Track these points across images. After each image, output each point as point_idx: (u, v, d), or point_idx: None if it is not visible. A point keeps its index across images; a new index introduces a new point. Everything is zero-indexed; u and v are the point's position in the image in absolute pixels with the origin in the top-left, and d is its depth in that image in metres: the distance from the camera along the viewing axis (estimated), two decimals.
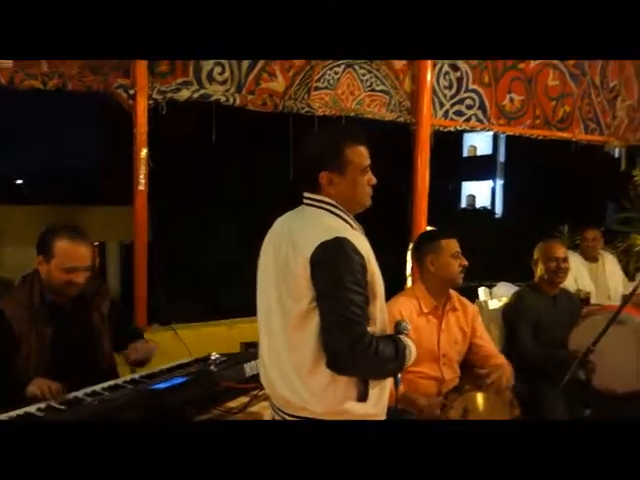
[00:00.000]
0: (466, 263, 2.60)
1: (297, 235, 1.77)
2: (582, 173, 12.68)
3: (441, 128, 3.91)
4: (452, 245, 2.61)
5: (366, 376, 1.73)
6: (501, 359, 2.64)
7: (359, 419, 1.73)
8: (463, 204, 25.23)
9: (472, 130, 4.27)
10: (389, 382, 1.85)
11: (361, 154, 1.81)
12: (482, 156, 25.03)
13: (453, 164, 21.64)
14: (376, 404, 1.77)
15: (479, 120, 4.05)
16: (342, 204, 1.80)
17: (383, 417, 1.84)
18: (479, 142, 24.67)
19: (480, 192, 25.11)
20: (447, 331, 2.63)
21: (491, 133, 22.85)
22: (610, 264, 4.44)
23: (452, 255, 2.59)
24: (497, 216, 21.30)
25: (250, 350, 2.48)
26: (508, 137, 22.93)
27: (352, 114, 3.56)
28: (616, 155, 4.98)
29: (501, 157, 24.10)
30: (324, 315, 1.68)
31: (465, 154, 25.65)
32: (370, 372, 1.74)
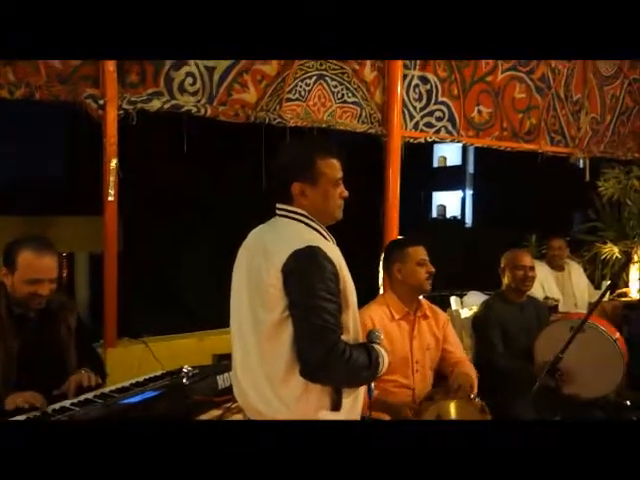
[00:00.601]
0: (433, 270, 2.63)
1: (269, 245, 1.77)
2: (548, 184, 12.96)
3: (411, 140, 3.97)
4: (418, 252, 2.64)
5: (340, 384, 1.74)
6: (468, 367, 2.68)
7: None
8: (434, 214, 25.52)
9: (442, 141, 4.34)
10: (362, 391, 1.85)
11: (333, 166, 1.83)
12: (452, 166, 25.40)
13: (423, 174, 21.90)
14: (349, 413, 1.77)
15: (449, 132, 4.11)
16: (314, 215, 1.82)
17: None
18: (449, 153, 25.04)
19: (450, 202, 25.45)
20: (419, 337, 2.66)
21: (460, 144, 23.20)
22: (576, 273, 4.54)
23: (418, 262, 2.62)
24: (467, 226, 21.62)
25: (222, 362, 2.46)
26: (477, 148, 23.24)
27: (324, 125, 3.59)
28: (580, 166, 5.11)
29: (470, 168, 24.49)
30: (297, 324, 1.68)
31: (435, 164, 26.00)
32: (344, 380, 1.75)
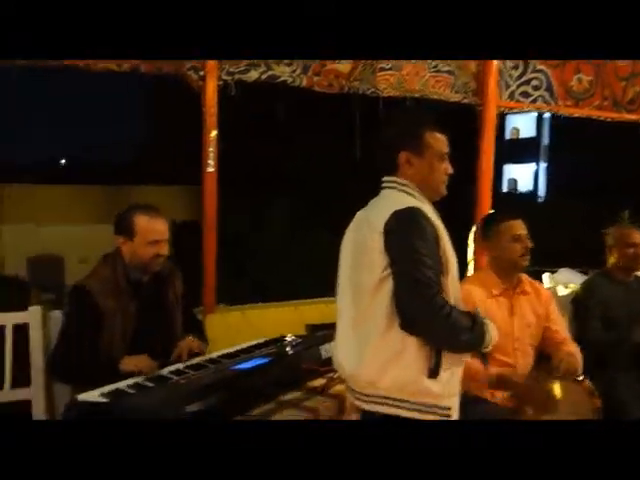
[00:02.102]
0: (530, 245, 2.54)
1: (372, 213, 1.81)
2: (633, 156, 12.23)
3: (507, 110, 3.82)
4: (513, 227, 2.55)
5: (438, 341, 1.72)
6: (573, 347, 2.58)
7: (426, 399, 1.70)
8: (504, 188, 24.71)
9: (516, 111, 4.05)
10: (461, 369, 1.81)
11: (440, 140, 1.85)
12: (525, 139, 24.42)
13: (496, 147, 21.17)
14: (445, 386, 1.74)
15: (546, 101, 3.91)
16: (418, 187, 1.83)
17: (451, 403, 1.78)
18: (522, 124, 24.06)
19: (522, 176, 24.56)
20: (519, 314, 2.58)
21: (534, 115, 22.30)
22: None
23: (513, 238, 2.54)
24: (540, 200, 20.84)
25: (325, 333, 2.48)
26: (553, 119, 22.34)
27: (417, 95, 3.49)
28: None
29: (545, 140, 23.48)
30: (397, 278, 1.69)
31: (508, 136, 25.05)
32: (442, 337, 1.71)
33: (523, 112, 4.04)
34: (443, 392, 1.74)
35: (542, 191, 22.80)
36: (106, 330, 2.21)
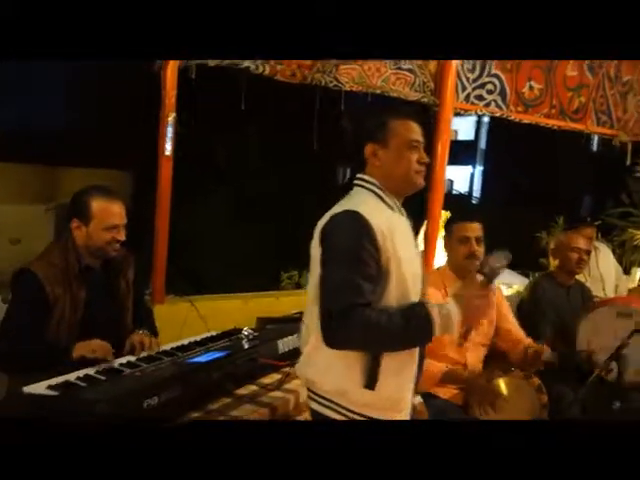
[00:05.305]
0: (475, 249, 2.53)
1: (325, 215, 1.71)
2: (568, 163, 12.83)
3: (462, 111, 3.89)
4: (461, 230, 2.58)
5: (362, 349, 1.60)
6: (529, 342, 2.66)
7: (365, 410, 1.63)
8: None
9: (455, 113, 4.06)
10: (409, 379, 1.70)
11: (408, 127, 1.71)
12: (463, 141, 25.10)
13: (431, 148, 21.61)
14: (386, 397, 1.64)
15: (498, 106, 4.01)
16: (387, 182, 1.71)
17: (394, 413, 1.68)
18: (460, 126, 24.71)
19: (458, 177, 25.25)
20: None
21: (474, 118, 22.94)
22: (604, 256, 4.45)
23: (459, 240, 2.57)
24: (475, 203, 21.52)
25: (284, 325, 2.44)
26: (491, 123, 23.06)
27: (378, 91, 3.49)
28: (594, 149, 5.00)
29: (482, 143, 24.25)
30: (320, 283, 1.61)
31: None
32: (364, 345, 1.59)
33: (462, 115, 4.12)
34: (384, 405, 1.65)
35: (477, 193, 23.55)
36: (53, 318, 2.08)
